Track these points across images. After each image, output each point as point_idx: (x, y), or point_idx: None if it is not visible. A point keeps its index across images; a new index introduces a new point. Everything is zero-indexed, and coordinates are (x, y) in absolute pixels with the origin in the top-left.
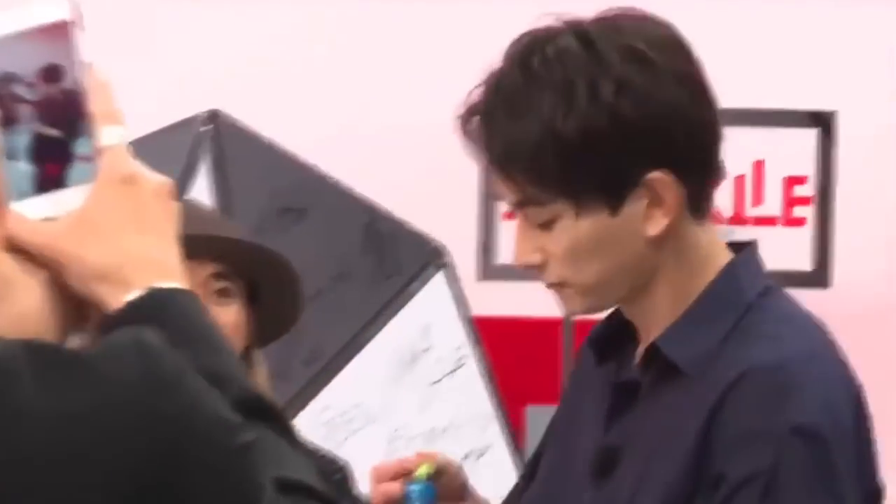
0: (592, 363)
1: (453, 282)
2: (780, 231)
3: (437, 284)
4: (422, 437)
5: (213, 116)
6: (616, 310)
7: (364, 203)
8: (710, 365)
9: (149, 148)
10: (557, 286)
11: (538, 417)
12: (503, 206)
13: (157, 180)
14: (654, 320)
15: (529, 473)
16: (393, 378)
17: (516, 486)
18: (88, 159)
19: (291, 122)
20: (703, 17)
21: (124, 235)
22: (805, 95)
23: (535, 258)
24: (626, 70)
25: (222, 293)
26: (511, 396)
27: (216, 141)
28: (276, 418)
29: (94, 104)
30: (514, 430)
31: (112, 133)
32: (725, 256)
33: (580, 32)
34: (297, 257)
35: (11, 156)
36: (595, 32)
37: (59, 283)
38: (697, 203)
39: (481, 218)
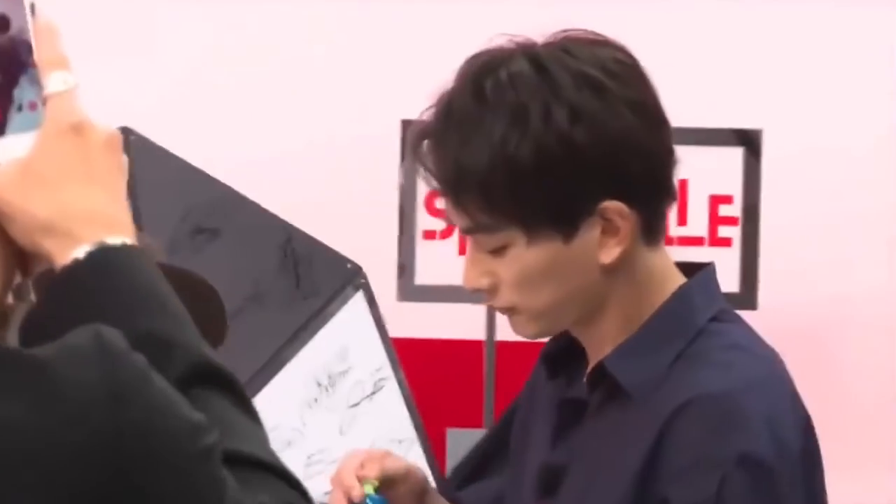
0: (544, 378)
1: (372, 303)
2: (705, 251)
3: (355, 305)
4: (341, 461)
5: (123, 133)
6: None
7: (280, 222)
8: (658, 389)
9: None
10: (507, 311)
11: (459, 440)
12: (423, 225)
13: (107, 131)
14: (603, 341)
15: (477, 465)
16: (310, 401)
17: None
18: (34, 107)
19: (207, 140)
20: (625, 34)
21: (71, 187)
22: (730, 113)
23: (484, 283)
24: (580, 97)
25: None
26: (432, 419)
27: (126, 159)
28: (230, 386)
29: (40, 50)
30: (435, 453)
31: (58, 79)
32: (678, 280)
33: (533, 56)
34: (211, 278)
35: None
36: (548, 57)
37: (1, 234)
38: (651, 228)
39: (400, 238)
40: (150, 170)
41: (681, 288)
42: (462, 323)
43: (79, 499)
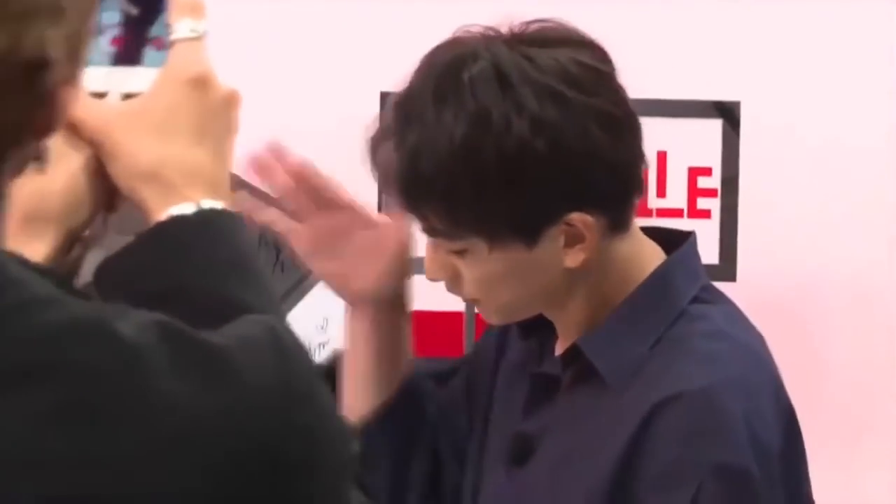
0: (516, 336)
1: None
2: (684, 223)
3: None
4: None
5: None
6: None
7: (258, 192)
8: (636, 375)
9: None
10: (472, 300)
11: None
12: None
13: (227, 88)
14: (577, 323)
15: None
16: None
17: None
18: (162, 46)
19: None
20: (605, 7)
21: (181, 139)
22: (709, 85)
23: (445, 276)
24: (542, 110)
25: None
26: None
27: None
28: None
29: None
30: None
31: (185, 26)
32: (656, 258)
33: (496, 62)
34: None
35: (98, 31)
36: (510, 65)
37: (99, 168)
38: (618, 224)
39: (380, 210)
40: None
41: (660, 266)
42: (442, 295)
43: (229, 484)
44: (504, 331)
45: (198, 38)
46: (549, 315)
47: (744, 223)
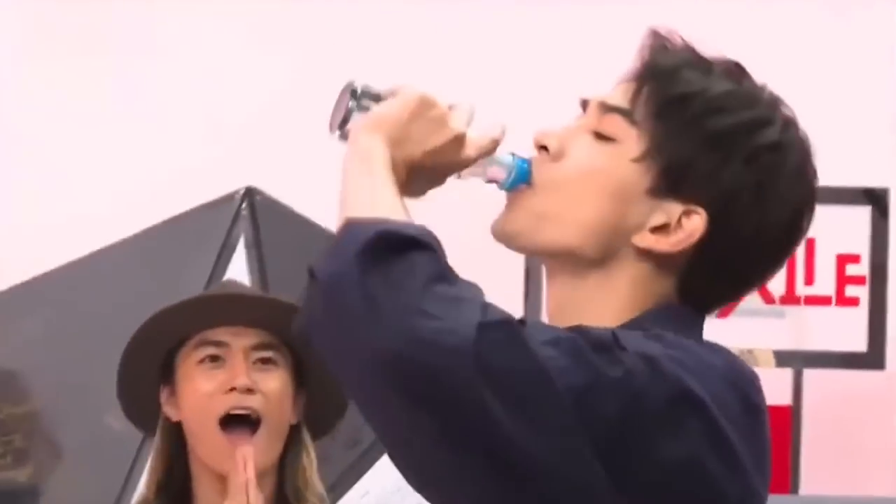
0: None
1: None
2: (833, 311)
3: None
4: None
5: (250, 194)
6: None
7: None
8: None
9: (184, 227)
10: (523, 194)
11: None
12: None
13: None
14: (557, 305)
15: None
16: None
17: None
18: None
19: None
20: None
21: None
22: (857, 172)
23: (552, 143)
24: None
25: (265, 361)
26: None
27: (253, 220)
28: None
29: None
30: None
31: None
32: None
33: (789, 137)
34: None
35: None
36: (790, 144)
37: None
38: (695, 288)
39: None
40: (276, 231)
41: (659, 310)
42: None
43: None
44: None
45: None
46: (549, 272)
47: (894, 311)
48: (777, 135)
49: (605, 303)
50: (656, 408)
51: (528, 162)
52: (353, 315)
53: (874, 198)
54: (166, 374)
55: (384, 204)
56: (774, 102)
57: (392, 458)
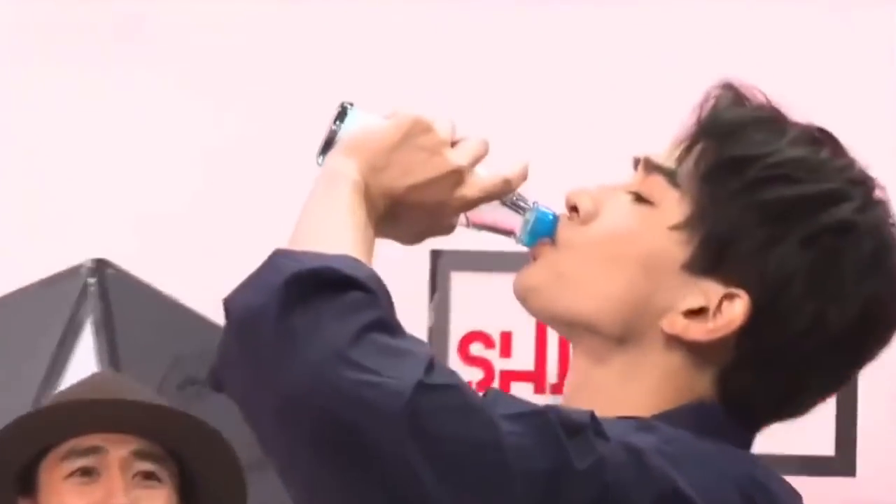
0: None
1: None
2: None
3: None
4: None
5: (100, 266)
6: None
7: None
8: None
9: (29, 302)
10: (546, 248)
11: None
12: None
13: None
14: (574, 382)
15: None
16: None
17: None
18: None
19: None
20: None
21: None
22: None
23: (586, 204)
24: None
25: (147, 476)
26: None
27: (103, 297)
28: None
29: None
30: None
31: None
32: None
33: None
34: None
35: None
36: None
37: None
38: (748, 402)
39: None
40: (130, 310)
41: (693, 407)
42: None
43: None
44: None
45: None
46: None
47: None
48: (850, 214)
49: (625, 394)
50: None
51: (554, 215)
52: (265, 355)
53: None
54: (26, 486)
55: (333, 234)
56: (860, 178)
57: None
